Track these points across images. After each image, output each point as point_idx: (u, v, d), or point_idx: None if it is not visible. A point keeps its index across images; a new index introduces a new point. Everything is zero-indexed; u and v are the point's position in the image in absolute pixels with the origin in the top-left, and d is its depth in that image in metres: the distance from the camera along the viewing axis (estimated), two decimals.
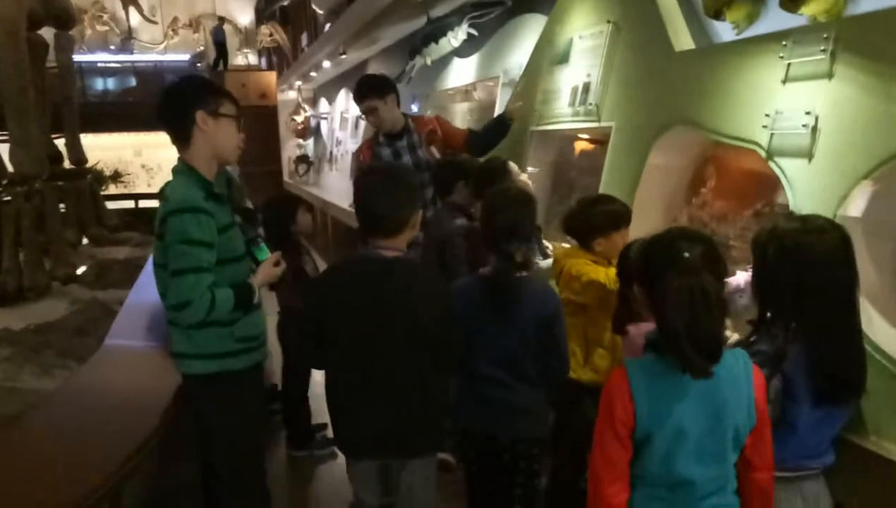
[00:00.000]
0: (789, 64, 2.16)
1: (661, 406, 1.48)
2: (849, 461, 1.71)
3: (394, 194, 2.05)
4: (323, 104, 14.47)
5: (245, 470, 2.29)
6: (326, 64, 11.19)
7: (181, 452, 2.43)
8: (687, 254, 1.48)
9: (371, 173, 2.31)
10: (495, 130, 4.00)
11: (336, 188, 11.08)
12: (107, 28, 20.23)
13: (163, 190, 2.14)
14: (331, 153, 13.05)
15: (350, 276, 2.10)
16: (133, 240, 7.85)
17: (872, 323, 1.73)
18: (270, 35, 17.71)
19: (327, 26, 11.41)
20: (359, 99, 3.78)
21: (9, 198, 5.48)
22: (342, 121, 12.40)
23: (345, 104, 12.34)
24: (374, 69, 10.08)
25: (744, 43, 2.47)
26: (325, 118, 13.93)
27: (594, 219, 2.41)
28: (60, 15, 6.62)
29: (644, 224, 2.61)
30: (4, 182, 5.53)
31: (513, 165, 3.37)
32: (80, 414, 2.29)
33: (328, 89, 13.82)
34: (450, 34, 6.09)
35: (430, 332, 2.01)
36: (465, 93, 6.36)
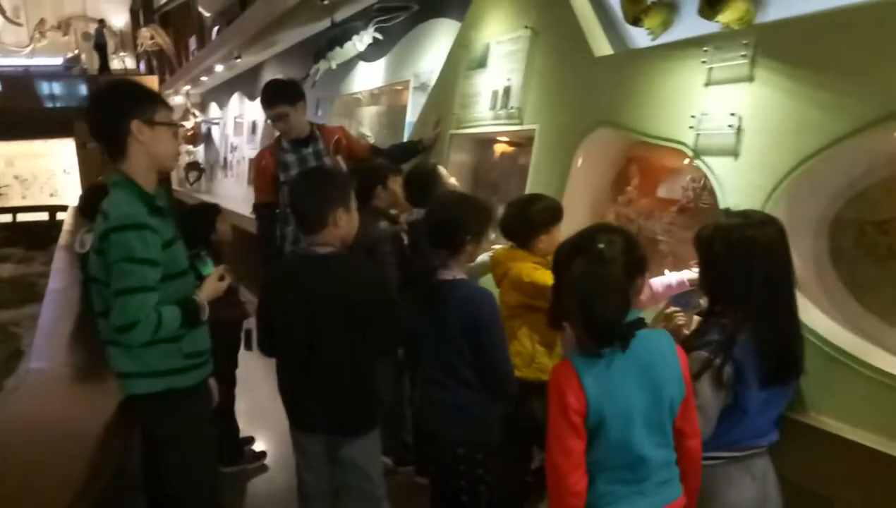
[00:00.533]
0: (711, 68, 2.30)
1: (608, 389, 1.57)
2: (792, 437, 1.84)
3: (312, 192, 2.25)
4: (213, 109, 13.95)
5: (201, 490, 2.22)
6: (219, 68, 10.79)
7: (127, 480, 2.29)
8: (602, 246, 1.60)
9: (300, 175, 2.58)
10: (405, 154, 4.06)
11: (233, 195, 10.71)
12: None
13: (84, 202, 2.03)
14: (225, 159, 12.60)
15: (288, 271, 2.37)
16: (15, 256, 7.39)
17: (806, 309, 1.87)
18: (152, 38, 16.90)
19: (215, 29, 11.02)
20: (268, 105, 3.70)
21: None
22: (236, 126, 12.00)
23: (238, 109, 11.94)
24: (270, 73, 9.82)
25: (665, 48, 2.59)
26: (217, 123, 13.43)
27: (534, 217, 2.48)
28: None
29: (573, 222, 2.70)
30: None
31: (442, 169, 3.41)
32: (19, 452, 2.10)
33: (218, 94, 13.34)
34: (355, 38, 6.06)
35: (364, 319, 2.19)
36: (373, 96, 6.33)
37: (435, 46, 5.08)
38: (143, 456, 2.24)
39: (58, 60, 19.12)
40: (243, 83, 11.28)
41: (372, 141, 5.44)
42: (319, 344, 2.21)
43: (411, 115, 5.22)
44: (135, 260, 1.89)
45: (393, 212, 3.50)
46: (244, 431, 3.90)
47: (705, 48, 2.32)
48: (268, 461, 3.81)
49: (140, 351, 2.00)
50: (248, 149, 10.67)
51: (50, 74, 17.75)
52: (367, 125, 6.32)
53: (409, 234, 3.34)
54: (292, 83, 3.97)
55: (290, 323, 2.24)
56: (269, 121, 3.73)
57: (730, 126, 2.18)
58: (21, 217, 11.44)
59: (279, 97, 3.66)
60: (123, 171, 2.03)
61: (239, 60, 9.59)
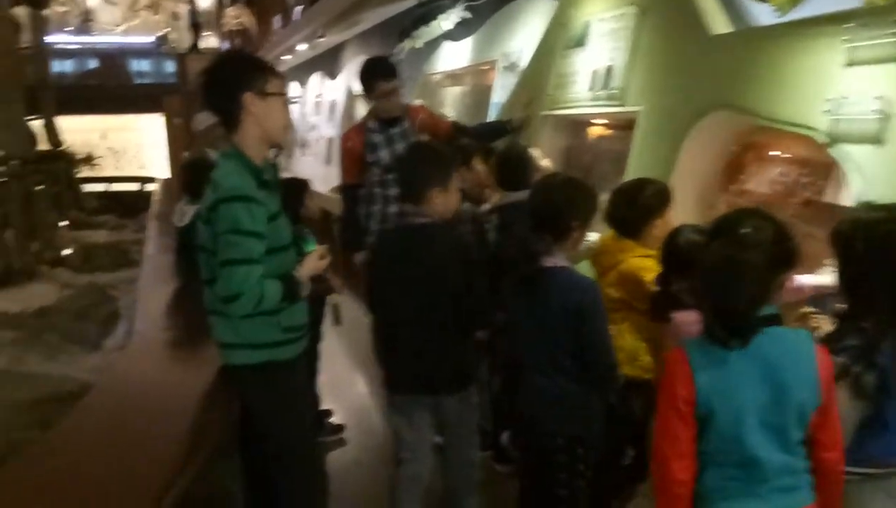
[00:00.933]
0: (854, 47, 2.10)
1: (720, 382, 1.49)
2: None
3: (413, 166, 2.35)
4: (294, 88, 14.17)
5: (300, 463, 2.22)
6: (301, 47, 10.91)
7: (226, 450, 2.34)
8: (746, 230, 1.49)
9: (410, 146, 2.80)
10: (492, 134, 3.93)
11: (311, 173, 10.87)
12: (65, 9, 19.49)
13: (186, 176, 2.02)
14: (304, 138, 12.80)
15: (387, 239, 2.55)
16: (109, 223, 7.85)
17: None
18: (237, 18, 17.27)
19: (297, 8, 11.13)
20: (387, 78, 3.55)
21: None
22: (316, 105, 12.15)
23: (319, 88, 12.08)
24: (351, 52, 9.87)
25: (797, 25, 2.40)
26: (297, 102, 13.65)
27: (647, 201, 2.33)
28: None
29: (679, 210, 2.55)
30: None
31: (535, 151, 3.29)
32: (124, 414, 2.19)
33: (299, 73, 13.53)
34: (441, 17, 5.98)
35: (453, 287, 2.22)
36: (458, 76, 6.24)
37: (527, 26, 4.94)
38: (240, 426, 2.25)
39: (149, 39, 19.90)
40: (324, 62, 11.38)
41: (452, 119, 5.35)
42: (412, 310, 2.27)
43: (498, 96, 5.10)
44: (241, 231, 1.88)
45: (484, 191, 3.40)
46: (325, 404, 3.91)
47: (847, 25, 2.12)
48: (344, 434, 3.79)
49: (240, 323, 2.01)
50: (328, 129, 10.78)
51: (141, 52, 18.55)
52: (450, 105, 6.24)
53: (500, 217, 3.24)
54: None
55: (387, 289, 2.35)
56: (372, 99, 3.57)
57: (875, 110, 1.98)
58: (114, 187, 12.23)
59: (394, 71, 3.58)
60: (235, 143, 2.02)
61: (322, 40, 9.66)
